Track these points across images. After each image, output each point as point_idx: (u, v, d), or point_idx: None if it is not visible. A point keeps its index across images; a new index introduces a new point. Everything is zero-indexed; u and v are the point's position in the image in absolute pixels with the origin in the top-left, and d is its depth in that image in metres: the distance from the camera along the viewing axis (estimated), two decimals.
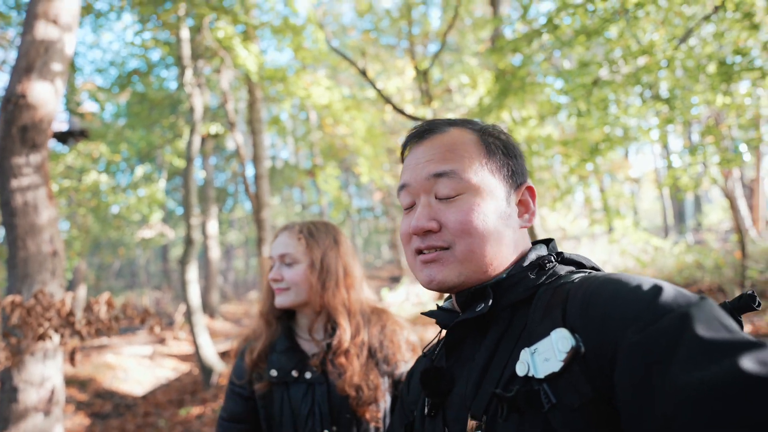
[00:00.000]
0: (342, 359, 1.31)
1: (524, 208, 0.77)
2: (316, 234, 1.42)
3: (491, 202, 0.71)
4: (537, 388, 0.54)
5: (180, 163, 9.76)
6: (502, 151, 0.76)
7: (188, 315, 7.02)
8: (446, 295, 0.82)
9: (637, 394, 0.45)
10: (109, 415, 6.73)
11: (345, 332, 1.34)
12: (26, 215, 2.96)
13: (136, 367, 8.94)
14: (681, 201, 20.07)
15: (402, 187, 0.77)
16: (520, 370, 0.57)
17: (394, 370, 1.37)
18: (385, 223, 20.48)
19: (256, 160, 7.78)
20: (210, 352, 7.07)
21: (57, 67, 2.82)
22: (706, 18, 5.03)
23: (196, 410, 5.94)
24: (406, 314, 11.40)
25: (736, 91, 5.78)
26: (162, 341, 10.92)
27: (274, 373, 1.32)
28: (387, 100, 5.76)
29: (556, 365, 0.53)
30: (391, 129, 13.49)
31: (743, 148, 7.68)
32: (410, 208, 0.76)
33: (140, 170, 9.66)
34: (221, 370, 7.10)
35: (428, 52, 13.41)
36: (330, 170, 10.11)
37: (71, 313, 2.56)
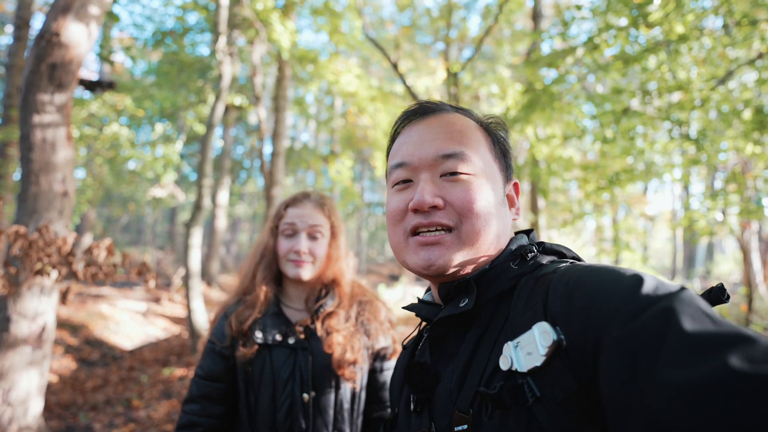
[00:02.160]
0: (333, 321, 1.36)
1: (511, 202, 0.77)
2: (333, 208, 1.47)
3: (492, 188, 0.71)
4: (521, 382, 0.54)
5: (201, 128, 9.84)
6: (500, 144, 0.77)
7: (186, 279, 7.09)
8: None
9: (622, 390, 0.44)
10: (95, 363, 6.84)
11: (339, 299, 1.41)
12: (43, 152, 3.00)
13: (128, 322, 9.07)
14: (694, 246, 19.74)
15: (399, 165, 0.72)
16: (503, 364, 0.56)
17: (374, 344, 1.43)
18: None
19: (275, 136, 7.81)
20: (202, 318, 7.13)
21: (94, 10, 2.85)
22: (750, 63, 4.92)
23: (179, 372, 6.01)
24: (401, 314, 11.41)
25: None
26: (157, 300, 11.05)
27: (258, 334, 1.34)
28: (414, 96, 5.74)
29: (538, 359, 0.52)
30: None
31: (766, 201, 7.52)
32: (402, 183, 0.73)
33: (160, 128, 9.75)
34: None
35: (462, 57, 13.33)
36: (345, 159, 10.13)
37: (71, 253, 2.59)
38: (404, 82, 5.62)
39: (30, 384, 3.01)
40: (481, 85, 9.79)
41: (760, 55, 4.81)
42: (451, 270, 0.68)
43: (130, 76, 12.20)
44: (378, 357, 1.44)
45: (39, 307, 3.07)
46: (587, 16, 5.40)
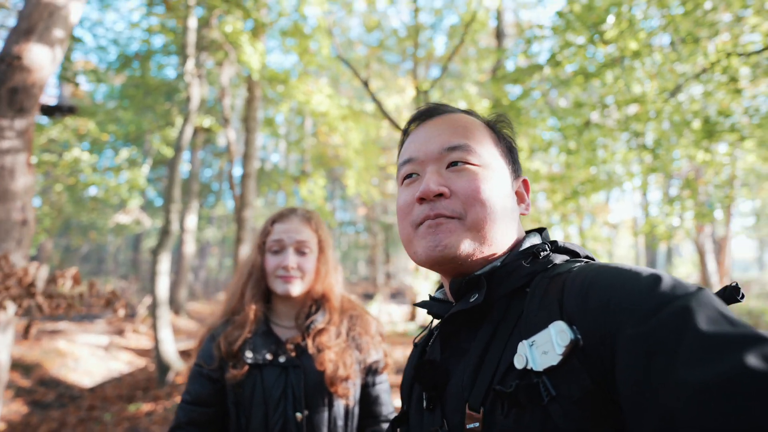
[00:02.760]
0: (324, 337, 1.34)
1: (520, 198, 0.79)
2: (320, 223, 1.46)
3: (498, 181, 0.72)
4: (536, 381, 0.54)
5: (168, 151, 9.61)
6: (506, 141, 0.79)
7: (153, 308, 6.79)
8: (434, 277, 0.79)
9: (638, 388, 0.45)
10: (50, 404, 6.39)
11: (330, 315, 1.40)
12: (1, 179, 2.85)
13: (88, 357, 8.56)
14: (655, 250, 20.63)
15: (407, 161, 0.75)
16: (518, 362, 0.56)
17: (366, 358, 1.41)
18: (366, 239, 20.42)
19: (246, 158, 7.72)
20: (170, 349, 6.83)
21: (59, 33, 2.77)
22: (696, 77, 5.28)
23: (146, 407, 5.69)
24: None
25: (717, 150, 6.04)
26: (120, 333, 10.50)
27: (249, 355, 1.31)
28: (385, 114, 5.82)
29: (554, 359, 0.52)
30: (384, 145, 13.60)
31: (717, 205, 7.99)
32: (410, 178, 0.74)
33: (125, 153, 9.46)
34: (179, 368, 6.85)
35: (430, 75, 13.67)
36: (317, 179, 10.10)
37: (33, 284, 2.45)
38: (375, 101, 5.70)
39: None
40: (450, 102, 10.04)
41: (704, 70, 5.17)
42: (457, 253, 0.67)
43: (91, 100, 11.82)
44: (370, 371, 1.42)
45: None
46: (548, 35, 5.68)
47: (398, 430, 0.79)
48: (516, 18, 15.20)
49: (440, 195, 0.69)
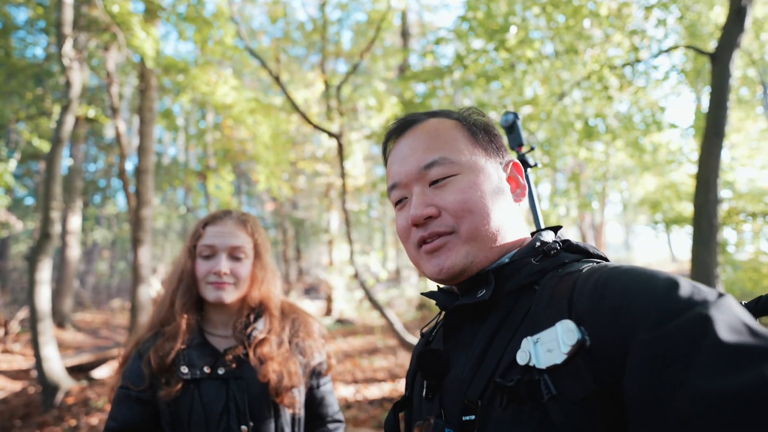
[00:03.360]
0: (265, 348, 1.28)
1: (514, 183, 0.78)
2: (257, 226, 1.39)
3: (484, 179, 0.71)
4: (537, 378, 0.53)
5: (42, 144, 8.35)
6: (484, 131, 0.77)
7: (32, 323, 5.91)
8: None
9: (650, 395, 0.44)
10: None
11: (270, 323, 1.34)
12: None
13: None
14: None
15: (393, 187, 0.75)
16: (521, 358, 0.56)
17: (310, 361, 1.39)
18: (276, 236, 19.84)
19: (142, 152, 7.03)
20: (56, 366, 6.02)
21: None
22: (577, 84, 5.99)
23: None
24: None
25: (595, 148, 6.94)
26: None
27: (185, 369, 1.21)
28: (296, 108, 5.70)
29: (559, 357, 0.52)
30: (293, 140, 13.29)
31: (593, 196, 9.18)
32: (402, 202, 0.75)
33: None
34: (69, 386, 6.07)
35: (338, 69, 13.63)
36: (224, 174, 9.57)
37: None
38: (287, 95, 5.55)
39: None
40: (359, 97, 10.12)
41: (584, 78, 5.90)
42: (461, 268, 0.68)
43: None
44: (314, 374, 1.40)
45: None
46: (451, 38, 6.01)
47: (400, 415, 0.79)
48: (420, 18, 15.78)
49: (430, 217, 0.69)
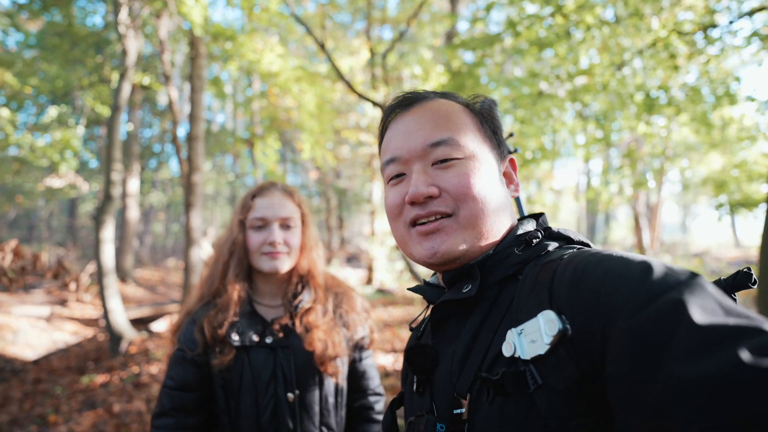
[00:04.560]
0: (311, 316, 1.32)
1: (509, 179, 0.77)
2: (302, 196, 1.42)
3: (487, 168, 0.70)
4: (523, 369, 0.54)
5: (103, 110, 8.83)
6: (489, 123, 0.76)
7: (99, 277, 6.45)
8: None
9: (630, 382, 0.44)
10: None
11: (316, 292, 1.37)
12: None
13: (28, 329, 8.08)
14: (595, 215, 22.04)
15: (390, 161, 0.72)
16: (506, 350, 0.56)
17: (353, 335, 1.41)
18: (319, 204, 20.23)
19: (192, 119, 7.28)
20: (121, 318, 6.58)
21: None
22: (639, 52, 5.53)
23: (100, 378, 5.51)
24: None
25: (656, 122, 6.45)
26: (63, 302, 9.93)
27: (235, 337, 1.26)
28: (341, 76, 5.65)
29: (542, 348, 0.52)
30: (338, 109, 13.28)
31: (650, 174, 8.60)
32: (397, 178, 0.73)
33: (53, 111, 8.60)
34: (132, 337, 6.64)
35: (383, 37, 13.32)
36: (270, 142, 9.76)
37: None
38: (332, 63, 5.50)
39: None
40: (405, 66, 9.89)
41: (648, 46, 5.42)
42: (456, 255, 0.67)
43: (1, 47, 10.51)
44: (357, 347, 1.43)
45: None
46: (503, 2, 5.67)
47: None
48: None
49: (430, 196, 0.67)
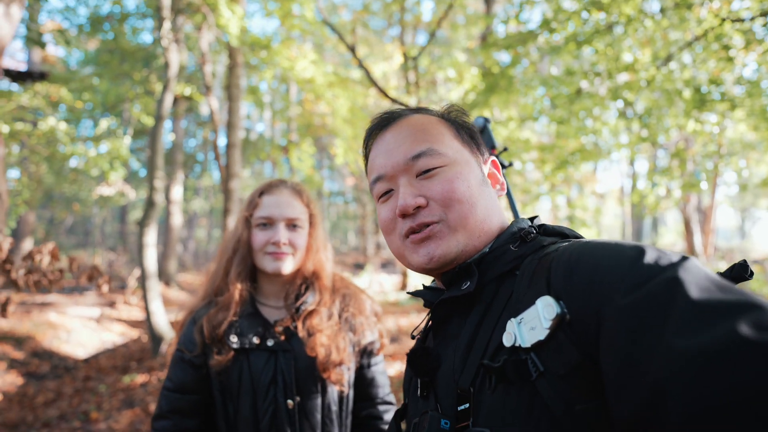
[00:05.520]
0: (315, 320, 1.26)
1: (494, 180, 0.80)
2: (311, 196, 1.37)
3: (469, 171, 0.73)
4: (524, 358, 0.54)
5: (149, 121, 9.29)
6: (465, 128, 0.80)
7: (142, 280, 6.74)
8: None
9: (625, 360, 0.44)
10: (45, 376, 6.40)
11: (321, 294, 1.31)
12: None
13: (80, 329, 8.55)
14: (641, 220, 20.96)
15: (377, 179, 0.75)
16: (507, 340, 0.56)
17: (361, 339, 1.34)
18: (355, 210, 20.37)
19: (230, 127, 7.50)
20: (162, 320, 6.83)
21: None
22: (688, 44, 5.18)
23: (140, 378, 5.74)
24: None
25: (707, 119, 6.00)
26: (112, 304, 10.48)
27: (234, 339, 1.22)
28: (373, 81, 5.65)
29: (542, 333, 0.52)
30: (372, 114, 13.34)
31: (703, 175, 8.04)
32: (386, 195, 0.76)
33: (104, 123, 9.13)
34: (172, 338, 6.88)
35: (417, 41, 13.30)
36: (306, 148, 9.91)
37: (7, 260, 2.37)
38: (363, 67, 5.51)
39: None
40: (438, 69, 9.80)
41: (697, 38, 5.07)
42: (453, 257, 0.69)
43: (64, 66, 11.30)
44: (365, 353, 1.35)
45: None
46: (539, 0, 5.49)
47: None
48: None
49: (419, 207, 0.70)
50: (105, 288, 2.56)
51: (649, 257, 0.49)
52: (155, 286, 6.79)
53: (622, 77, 5.63)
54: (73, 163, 10.17)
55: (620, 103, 5.70)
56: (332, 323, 1.28)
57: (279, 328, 1.26)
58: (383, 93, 6.01)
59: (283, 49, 6.64)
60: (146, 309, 6.66)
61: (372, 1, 11.98)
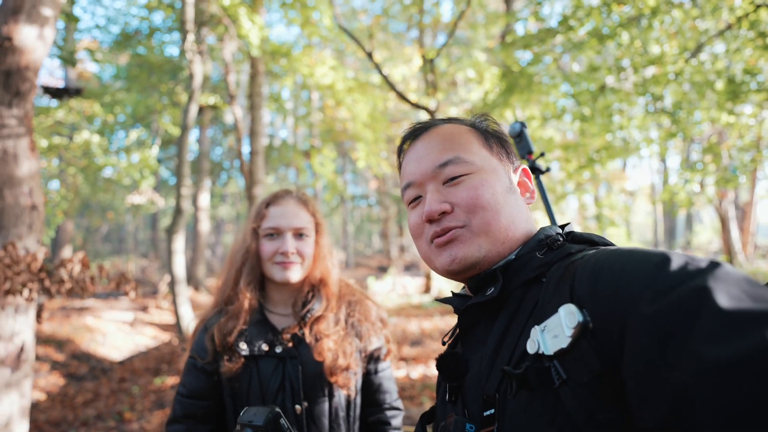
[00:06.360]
0: (322, 325, 1.29)
1: (524, 188, 0.81)
2: (316, 204, 1.40)
3: (496, 179, 0.75)
4: (547, 365, 0.54)
5: (176, 131, 9.59)
6: (495, 137, 0.81)
7: (172, 285, 6.95)
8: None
9: (649, 367, 0.44)
10: (84, 377, 6.68)
11: (327, 300, 1.34)
12: (5, 165, 2.85)
13: (115, 332, 8.87)
14: (674, 218, 20.16)
15: (407, 186, 0.79)
16: (530, 347, 0.57)
17: (367, 345, 1.35)
18: (378, 213, 20.42)
19: (253, 135, 7.66)
20: (190, 324, 7.03)
21: (47, 11, 2.69)
22: (720, 34, 4.97)
23: (171, 380, 5.90)
24: (391, 304, 11.40)
25: (742, 111, 5.73)
26: (144, 309, 10.83)
27: (243, 346, 1.25)
28: (391, 86, 5.66)
29: (564, 341, 0.52)
30: (392, 117, 13.36)
31: (740, 170, 7.66)
32: (415, 201, 0.78)
33: (134, 134, 9.50)
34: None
35: (437, 43, 13.25)
36: (327, 152, 10.01)
37: (42, 269, 2.48)
38: (380, 72, 5.53)
39: (11, 407, 2.89)
40: (458, 70, 9.73)
41: (729, 26, 4.86)
42: (474, 260, 0.70)
43: (98, 81, 11.80)
44: (372, 359, 1.37)
45: (15, 327, 2.94)
46: None
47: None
48: None
49: (444, 213, 0.72)
50: (132, 294, 2.65)
51: (676, 264, 0.48)
52: (184, 291, 6.99)
53: (649, 71, 5.44)
54: (106, 173, 10.60)
55: (648, 98, 5.51)
56: (339, 328, 1.30)
57: (287, 335, 1.28)
58: (402, 97, 6.00)
59: (303, 57, 6.74)
60: (176, 313, 6.86)
61: (391, 4, 12.02)
